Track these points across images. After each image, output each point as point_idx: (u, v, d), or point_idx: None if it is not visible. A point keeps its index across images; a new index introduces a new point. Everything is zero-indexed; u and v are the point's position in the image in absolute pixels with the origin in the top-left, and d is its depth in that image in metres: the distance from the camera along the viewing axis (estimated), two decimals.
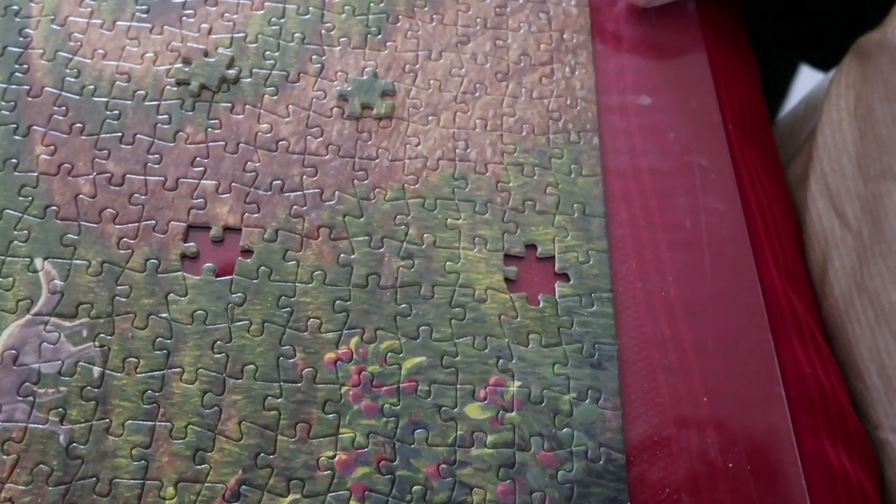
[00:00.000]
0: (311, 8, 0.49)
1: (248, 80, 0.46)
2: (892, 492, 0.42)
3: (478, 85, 0.48)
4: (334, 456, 0.37)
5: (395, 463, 0.37)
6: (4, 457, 0.35)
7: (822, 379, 0.43)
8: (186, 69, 0.45)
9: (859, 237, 0.44)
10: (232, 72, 0.46)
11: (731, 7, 0.56)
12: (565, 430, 0.38)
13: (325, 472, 0.36)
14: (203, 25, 0.47)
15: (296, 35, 0.48)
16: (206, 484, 0.35)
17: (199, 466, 0.36)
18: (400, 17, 0.49)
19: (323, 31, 0.48)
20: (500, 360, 0.40)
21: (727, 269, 0.44)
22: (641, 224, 0.44)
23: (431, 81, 0.47)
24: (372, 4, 0.50)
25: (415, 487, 0.36)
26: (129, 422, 0.36)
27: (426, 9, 0.50)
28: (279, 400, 0.38)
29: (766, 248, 0.45)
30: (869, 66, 0.48)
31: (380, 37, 0.49)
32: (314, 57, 0.47)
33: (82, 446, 0.36)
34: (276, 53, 0.47)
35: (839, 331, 0.45)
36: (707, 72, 0.50)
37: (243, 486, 0.36)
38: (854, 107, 0.48)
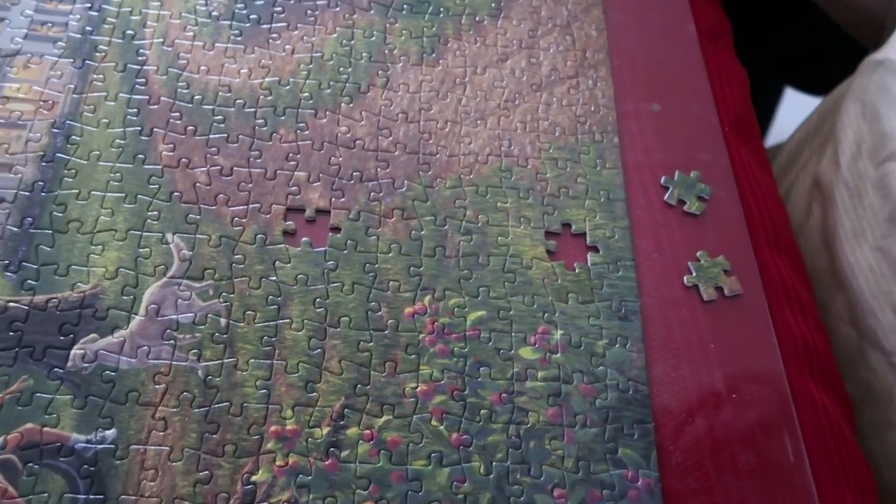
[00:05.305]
0: (375, 32, 0.58)
1: (328, 91, 0.55)
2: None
3: (517, 95, 0.57)
4: (417, 387, 0.45)
5: (465, 392, 0.46)
6: (157, 386, 0.44)
7: (805, 333, 0.52)
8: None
9: (871, 209, 0.55)
10: None
11: (724, 31, 0.66)
12: (600, 368, 0.47)
13: (411, 399, 0.45)
14: (287, 47, 0.57)
15: (363, 54, 0.57)
16: (316, 407, 0.44)
17: (310, 394, 0.44)
18: (449, 39, 0.59)
19: (386, 51, 0.58)
20: (546, 314, 0.49)
21: (728, 243, 0.53)
22: (656, 207, 0.54)
23: (478, 92, 0.57)
24: (426, 29, 0.59)
25: (482, 411, 0.45)
26: (252, 360, 0.45)
27: (471, 32, 0.60)
28: (370, 344, 0.46)
29: (759, 227, 0.55)
30: (874, 80, 0.58)
31: (433, 55, 0.58)
32: (380, 72, 0.57)
33: (217, 378, 0.44)
34: (349, 69, 0.57)
35: (846, 280, 0.56)
36: (706, 82, 0.60)
37: (346, 410, 0.44)
38: (861, 112, 0.58)
